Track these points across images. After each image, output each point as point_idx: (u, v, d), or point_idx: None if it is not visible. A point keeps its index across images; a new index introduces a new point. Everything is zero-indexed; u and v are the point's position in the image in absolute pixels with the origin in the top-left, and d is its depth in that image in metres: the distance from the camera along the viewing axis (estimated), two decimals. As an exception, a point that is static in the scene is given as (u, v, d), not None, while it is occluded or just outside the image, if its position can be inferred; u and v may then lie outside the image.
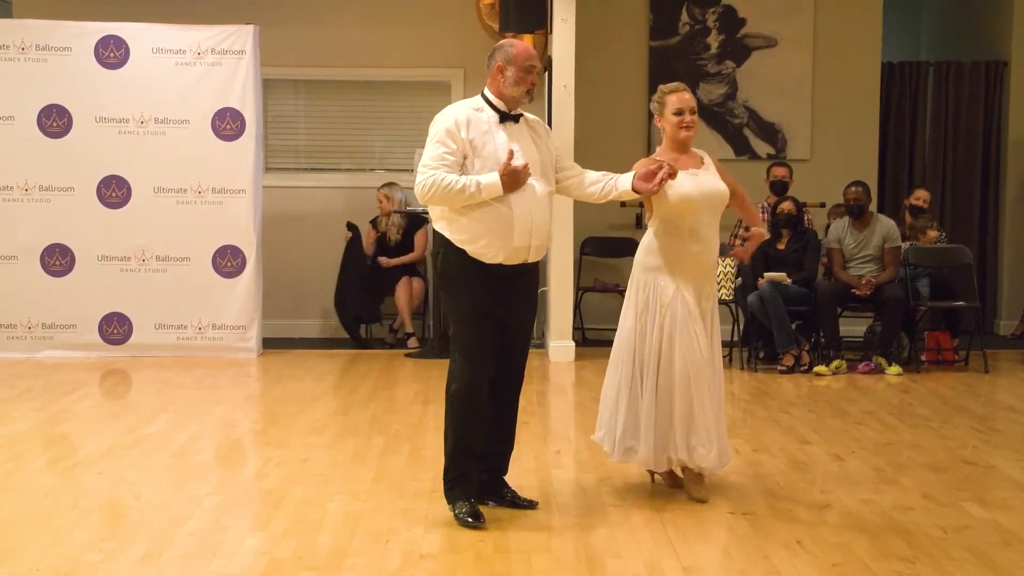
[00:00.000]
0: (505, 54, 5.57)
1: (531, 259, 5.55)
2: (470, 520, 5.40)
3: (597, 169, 5.86)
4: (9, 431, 7.56)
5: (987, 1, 12.72)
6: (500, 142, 5.44)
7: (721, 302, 10.37)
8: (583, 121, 10.36)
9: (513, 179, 5.31)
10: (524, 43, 5.79)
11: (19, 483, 6.31)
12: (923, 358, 10.29)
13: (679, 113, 5.86)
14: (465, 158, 5.44)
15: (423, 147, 12.46)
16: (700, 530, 5.50)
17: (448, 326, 5.73)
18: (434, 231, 5.65)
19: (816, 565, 4.77)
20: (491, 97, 5.60)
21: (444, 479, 5.61)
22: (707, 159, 6.01)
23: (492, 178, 5.32)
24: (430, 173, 5.40)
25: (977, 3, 12.98)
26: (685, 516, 5.71)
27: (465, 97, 11.39)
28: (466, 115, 5.54)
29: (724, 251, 10.43)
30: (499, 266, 5.46)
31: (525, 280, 5.62)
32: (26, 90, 10.37)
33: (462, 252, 5.45)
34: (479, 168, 5.41)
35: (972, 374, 9.97)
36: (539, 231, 5.50)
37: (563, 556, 5.12)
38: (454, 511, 5.49)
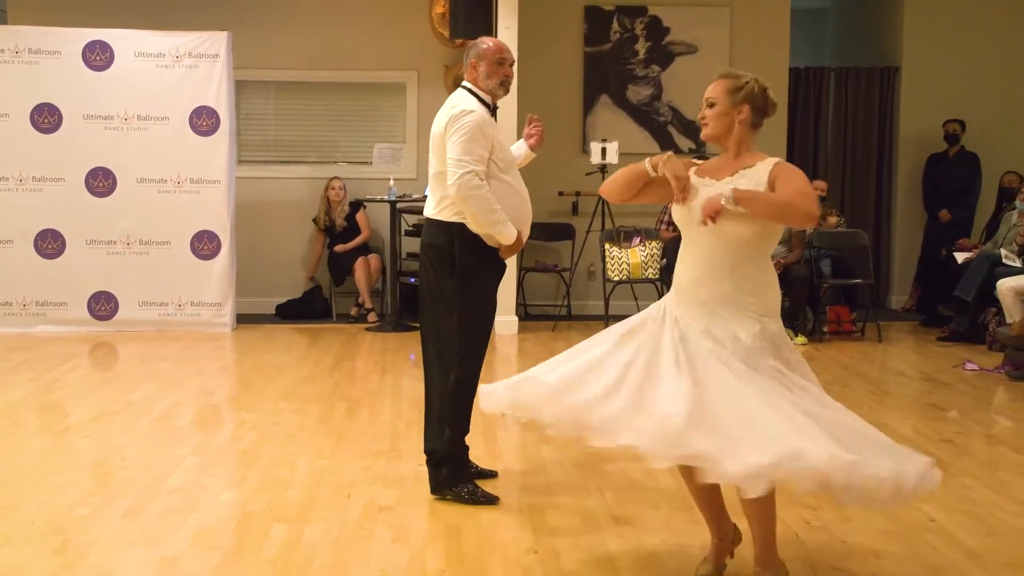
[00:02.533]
0: (477, 50, 5.26)
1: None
2: (485, 498, 5.14)
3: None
4: (6, 399, 7.49)
5: (881, 14, 12.81)
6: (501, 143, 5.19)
7: (648, 280, 10.43)
8: (524, 120, 10.32)
9: (514, 251, 5.15)
10: (496, 39, 5.44)
11: (16, 445, 6.26)
12: (825, 329, 10.38)
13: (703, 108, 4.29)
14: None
15: (382, 142, 12.41)
16: (627, 482, 5.53)
17: (440, 311, 5.24)
18: (433, 223, 5.22)
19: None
20: (477, 91, 5.24)
21: (446, 464, 5.22)
22: (760, 166, 4.07)
23: (511, 231, 5.06)
24: (478, 182, 4.98)
25: (873, 16, 13.07)
26: (615, 471, 5.74)
27: (419, 97, 11.57)
28: (483, 112, 5.14)
29: (650, 235, 10.53)
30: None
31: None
32: (20, 90, 10.24)
33: (483, 245, 5.14)
34: (489, 165, 5.10)
35: (868, 343, 10.08)
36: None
37: (507, 507, 5.14)
38: (461, 492, 5.16)
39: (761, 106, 4.12)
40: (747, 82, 4.14)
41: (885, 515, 4.99)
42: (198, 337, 10.14)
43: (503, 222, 5.05)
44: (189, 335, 10.21)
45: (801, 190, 3.95)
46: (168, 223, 10.39)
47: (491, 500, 5.15)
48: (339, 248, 11.27)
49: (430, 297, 5.30)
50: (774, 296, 4.13)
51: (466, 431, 5.35)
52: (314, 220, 11.48)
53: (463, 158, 5.01)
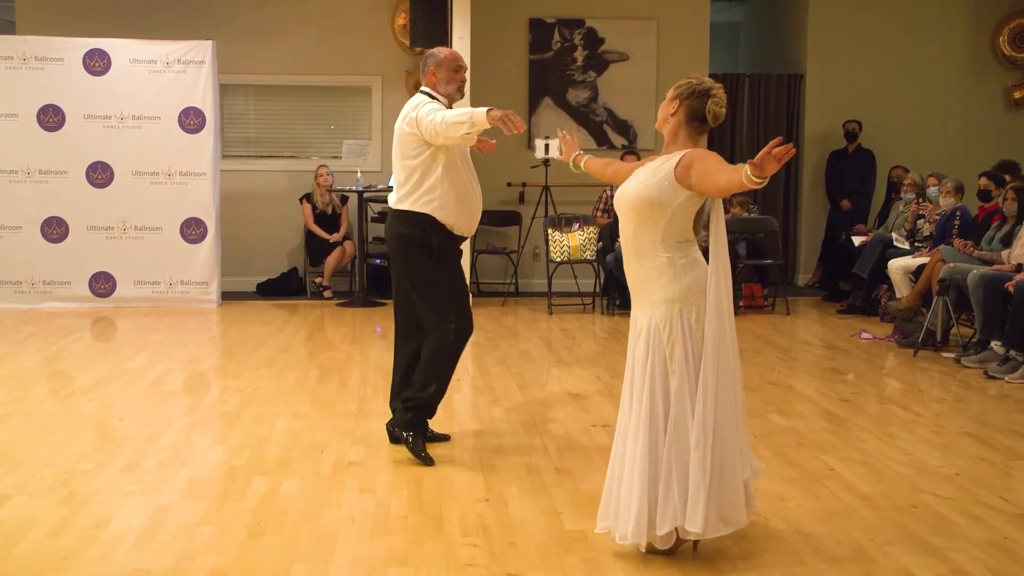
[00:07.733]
0: (435, 59, 5.19)
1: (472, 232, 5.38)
2: (425, 457, 5.08)
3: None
4: (17, 366, 7.42)
5: (788, 28, 12.89)
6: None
7: (586, 261, 10.46)
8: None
9: (504, 116, 4.74)
10: (452, 49, 5.39)
11: (26, 408, 6.21)
12: (740, 304, 10.44)
13: None
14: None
15: (350, 138, 12.33)
16: (567, 440, 5.56)
17: (421, 291, 5.16)
18: (405, 214, 5.11)
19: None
20: (435, 95, 5.16)
21: (413, 411, 5.16)
22: (676, 155, 3.93)
23: (478, 113, 4.77)
24: (439, 115, 4.90)
25: (781, 29, 13.15)
26: (558, 427, 5.78)
27: (383, 99, 11.52)
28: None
29: (588, 221, 10.56)
30: (461, 238, 5.21)
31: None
32: (27, 92, 10.12)
33: (448, 233, 5.10)
34: (446, 158, 5.04)
35: (777, 316, 10.16)
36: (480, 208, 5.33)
37: (462, 461, 5.17)
38: (409, 437, 5.12)
39: (697, 108, 3.95)
40: (686, 84, 3.98)
41: (790, 463, 5.06)
42: (187, 312, 10.07)
43: (469, 119, 4.82)
44: (179, 310, 10.13)
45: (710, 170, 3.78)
46: (160, 211, 10.30)
47: (429, 461, 5.06)
48: (335, 237, 11.17)
49: (405, 280, 5.21)
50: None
51: (446, 390, 5.31)
52: (302, 198, 11.33)
53: (427, 114, 4.95)
